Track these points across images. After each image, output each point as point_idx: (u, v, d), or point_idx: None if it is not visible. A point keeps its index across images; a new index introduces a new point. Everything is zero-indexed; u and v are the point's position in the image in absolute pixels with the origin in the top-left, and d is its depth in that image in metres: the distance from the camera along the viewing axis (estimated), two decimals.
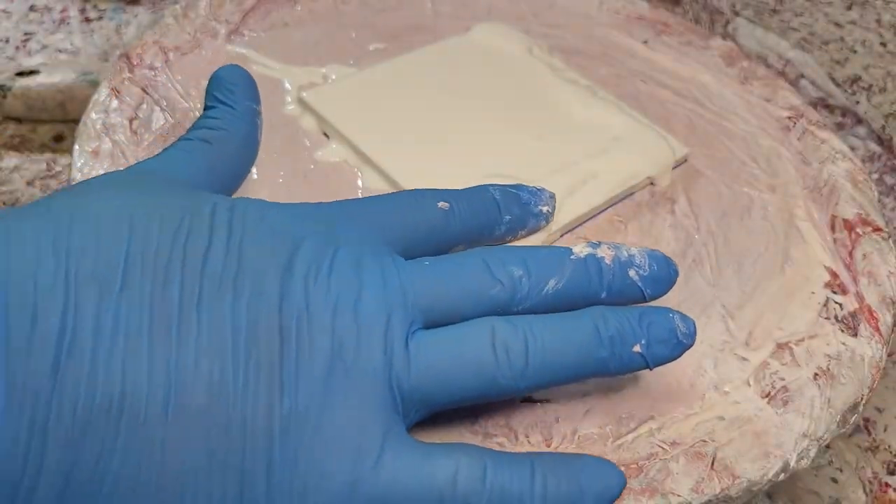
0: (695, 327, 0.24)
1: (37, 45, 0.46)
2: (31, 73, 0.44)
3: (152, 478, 0.19)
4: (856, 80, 0.48)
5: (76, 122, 0.33)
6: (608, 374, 0.23)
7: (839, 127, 0.46)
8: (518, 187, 0.27)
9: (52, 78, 0.44)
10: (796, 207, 0.32)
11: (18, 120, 0.44)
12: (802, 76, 0.49)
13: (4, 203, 0.41)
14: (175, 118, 0.32)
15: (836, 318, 0.28)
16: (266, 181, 0.30)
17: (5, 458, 0.18)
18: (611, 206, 0.31)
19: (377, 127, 0.32)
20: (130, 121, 0.32)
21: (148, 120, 0.32)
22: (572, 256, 0.24)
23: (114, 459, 0.19)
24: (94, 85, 0.43)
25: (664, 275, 0.25)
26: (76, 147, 0.30)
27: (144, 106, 0.32)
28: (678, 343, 0.23)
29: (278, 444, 0.20)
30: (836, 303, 0.29)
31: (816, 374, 0.26)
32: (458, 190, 0.26)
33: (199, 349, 0.20)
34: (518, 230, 0.27)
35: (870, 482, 0.34)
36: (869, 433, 0.35)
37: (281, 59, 0.36)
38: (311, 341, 0.21)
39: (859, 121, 0.47)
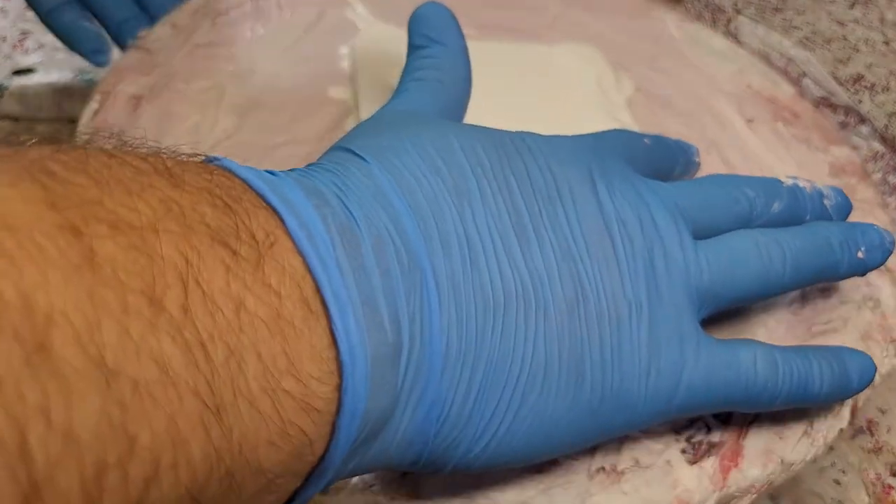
0: (893, 237, 0.27)
1: (34, 43, 0.46)
2: (28, 71, 0.44)
3: (541, 360, 0.21)
4: (859, 78, 0.48)
5: (73, 120, 0.33)
6: (838, 276, 0.27)
7: (842, 126, 0.46)
8: (678, 141, 0.31)
9: (48, 77, 0.44)
10: None
11: (15, 118, 0.44)
12: (805, 75, 0.49)
13: None
14: None
15: None
16: None
17: (440, 341, 0.20)
18: None
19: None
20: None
21: None
22: (784, 184, 0.28)
23: (518, 343, 0.21)
24: (91, 84, 0.43)
25: (846, 204, 0.29)
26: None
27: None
28: (887, 250, 0.27)
29: (627, 332, 0.23)
30: None
31: None
32: (648, 133, 0.30)
33: (555, 253, 0.22)
34: (684, 174, 0.31)
35: (873, 484, 0.34)
36: (872, 435, 0.35)
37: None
38: (632, 243, 0.23)
39: (862, 120, 0.47)
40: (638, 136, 0.29)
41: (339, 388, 0.18)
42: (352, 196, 0.20)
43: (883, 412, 0.36)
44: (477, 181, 0.22)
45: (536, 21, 0.39)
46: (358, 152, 0.22)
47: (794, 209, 0.27)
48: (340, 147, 0.23)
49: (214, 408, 0.16)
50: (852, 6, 0.53)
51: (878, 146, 0.45)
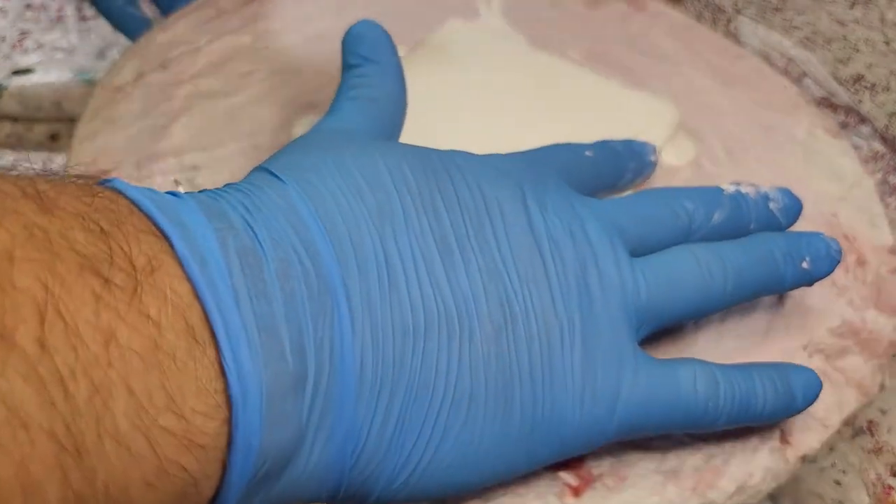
0: (840, 247, 0.27)
1: (33, 43, 0.46)
2: (27, 71, 0.44)
3: (479, 390, 0.21)
4: (859, 78, 0.48)
5: (72, 120, 0.33)
6: (782, 289, 0.26)
7: (842, 126, 0.46)
8: (629, 141, 0.30)
9: (47, 76, 0.44)
10: None
11: (14, 118, 0.44)
12: (805, 75, 0.49)
13: None
14: None
15: None
16: None
17: (353, 367, 0.19)
18: None
19: None
20: None
21: None
22: (724, 192, 0.27)
23: (440, 368, 0.20)
24: (91, 84, 0.43)
25: (794, 206, 0.28)
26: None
27: None
28: (834, 259, 0.26)
29: (559, 356, 0.22)
30: None
31: None
32: (594, 142, 0.29)
33: (480, 271, 0.22)
34: (636, 178, 0.30)
35: (873, 484, 0.34)
36: (872, 435, 0.35)
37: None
38: (564, 263, 0.23)
39: (862, 120, 0.47)
40: (578, 149, 0.28)
41: (229, 423, 0.17)
42: (260, 218, 0.19)
43: (883, 412, 0.36)
44: (401, 202, 0.22)
45: (653, 70, 0.37)
46: (276, 173, 0.21)
47: (737, 218, 0.27)
48: (261, 167, 0.22)
49: (74, 449, 0.15)
50: (853, 6, 0.53)
51: (878, 146, 0.45)
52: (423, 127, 0.32)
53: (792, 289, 0.27)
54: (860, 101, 0.47)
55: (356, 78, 0.27)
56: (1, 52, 0.45)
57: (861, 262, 0.30)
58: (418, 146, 0.24)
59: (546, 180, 0.25)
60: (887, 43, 0.51)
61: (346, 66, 0.27)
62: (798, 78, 0.47)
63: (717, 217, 0.26)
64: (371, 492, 0.20)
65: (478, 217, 0.23)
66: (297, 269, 0.19)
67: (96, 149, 0.31)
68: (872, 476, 0.34)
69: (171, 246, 0.17)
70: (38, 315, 0.14)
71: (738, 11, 0.50)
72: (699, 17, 0.49)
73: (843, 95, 0.48)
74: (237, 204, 0.20)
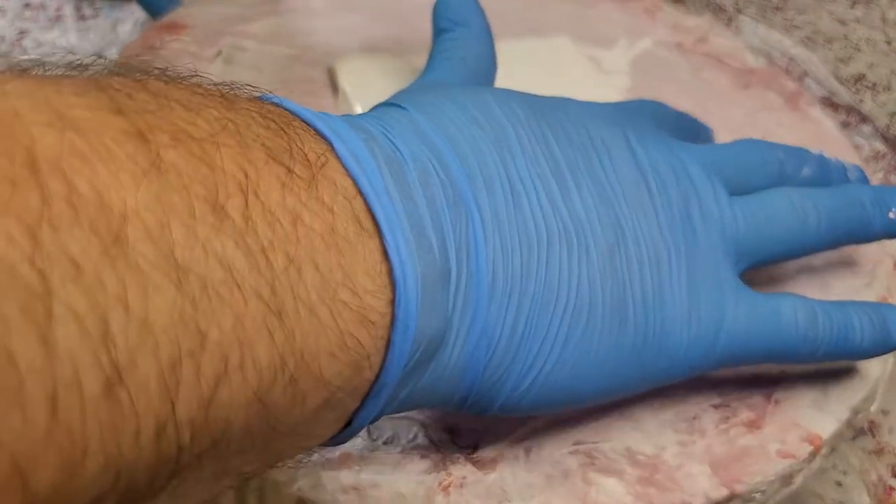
0: None
1: (32, 42, 0.46)
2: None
3: (596, 300, 0.22)
4: (860, 78, 0.48)
5: None
6: (870, 237, 0.27)
7: (843, 126, 0.46)
8: (696, 119, 0.33)
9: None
10: None
11: None
12: (806, 74, 0.49)
13: None
14: None
15: None
16: None
17: (486, 272, 0.20)
18: None
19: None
20: None
21: None
22: (811, 152, 0.28)
23: (562, 279, 0.21)
24: None
25: (859, 173, 0.29)
26: None
27: None
28: None
29: (667, 274, 0.23)
30: None
31: None
32: (673, 109, 0.31)
33: (592, 196, 0.23)
34: None
35: (874, 485, 0.33)
36: (873, 436, 0.35)
37: None
38: (668, 195, 0.24)
39: (864, 119, 0.47)
40: (667, 106, 0.30)
41: (393, 304, 0.18)
42: (397, 134, 0.21)
43: (885, 413, 0.36)
44: (515, 132, 0.23)
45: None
46: (401, 104, 0.23)
47: (823, 175, 0.28)
48: (384, 103, 0.23)
49: (277, 312, 0.16)
50: (853, 5, 0.53)
51: (879, 146, 0.45)
52: None
53: (879, 237, 0.28)
54: (861, 101, 0.47)
55: (447, 41, 0.28)
56: (0, 52, 0.45)
57: None
58: (520, 92, 0.25)
59: (645, 124, 0.26)
60: (888, 42, 0.51)
61: (437, 31, 0.29)
62: (799, 77, 0.47)
63: (807, 171, 0.28)
64: (497, 397, 0.21)
65: (585, 151, 0.24)
66: (434, 179, 0.20)
67: None
68: (874, 477, 0.34)
69: (333, 147, 0.19)
70: (242, 193, 0.16)
71: (739, 11, 0.50)
72: (700, 16, 0.49)
73: (845, 95, 0.48)
74: (374, 123, 0.21)
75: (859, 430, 0.35)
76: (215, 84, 0.19)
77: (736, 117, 0.36)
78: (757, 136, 0.35)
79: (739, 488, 0.24)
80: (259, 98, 0.20)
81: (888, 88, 0.48)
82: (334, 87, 0.34)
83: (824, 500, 0.33)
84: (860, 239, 0.28)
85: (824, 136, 0.36)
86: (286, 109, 0.20)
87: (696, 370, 0.24)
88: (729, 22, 0.51)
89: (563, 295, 0.21)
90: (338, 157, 0.19)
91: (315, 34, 0.36)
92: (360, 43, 0.36)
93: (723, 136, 0.35)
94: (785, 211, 0.26)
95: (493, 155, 0.22)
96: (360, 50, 0.36)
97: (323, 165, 0.18)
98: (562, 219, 0.22)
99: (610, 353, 0.22)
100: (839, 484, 0.33)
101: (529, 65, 0.36)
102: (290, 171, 0.17)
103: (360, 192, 0.19)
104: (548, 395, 0.22)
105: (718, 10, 0.51)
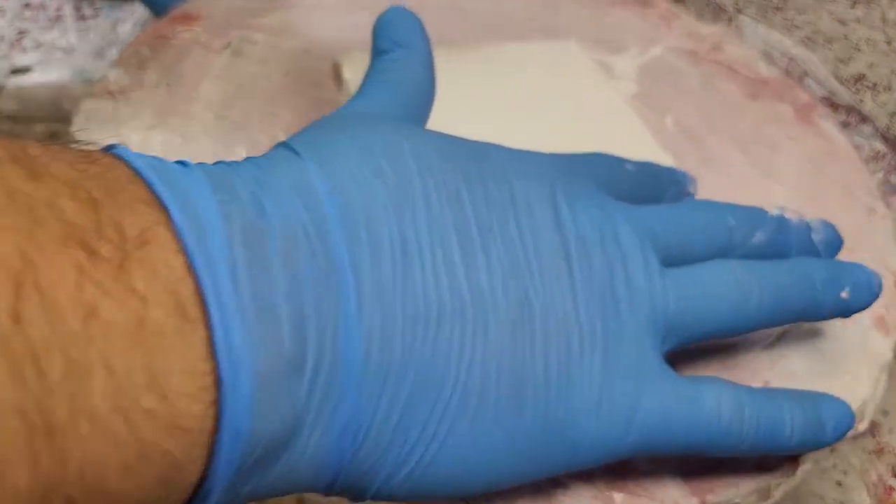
0: (881, 281, 0.26)
1: (31, 42, 0.46)
2: (26, 70, 0.44)
3: (489, 384, 0.20)
4: (860, 78, 0.48)
5: (70, 120, 0.33)
6: (819, 317, 0.25)
7: (844, 126, 0.46)
8: (671, 169, 0.30)
9: (46, 76, 0.44)
10: None
11: (13, 118, 0.44)
12: (806, 74, 0.49)
13: None
14: None
15: None
16: None
17: (357, 352, 0.19)
18: None
19: None
20: None
21: None
22: (770, 214, 0.26)
23: (451, 361, 0.20)
24: (89, 83, 0.43)
25: (835, 240, 0.27)
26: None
27: None
28: (874, 292, 0.25)
29: (576, 361, 0.21)
30: None
31: None
32: (634, 159, 0.28)
33: (502, 267, 0.21)
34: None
35: (875, 485, 0.34)
36: (874, 436, 0.35)
37: None
38: (590, 266, 0.22)
39: (864, 119, 0.47)
40: (618, 161, 0.27)
41: (217, 406, 0.16)
42: (271, 193, 0.19)
43: (885, 414, 0.36)
44: (423, 187, 0.21)
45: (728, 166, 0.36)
46: (296, 149, 0.21)
47: (778, 241, 0.26)
48: (282, 143, 0.22)
49: (45, 429, 0.14)
50: (854, 5, 0.53)
51: (879, 146, 0.45)
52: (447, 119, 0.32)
53: (829, 318, 0.26)
54: (861, 101, 0.47)
55: (386, 62, 0.26)
56: None
57: None
58: (448, 134, 0.23)
59: (580, 181, 0.24)
60: (888, 42, 0.51)
61: (377, 52, 0.27)
62: (799, 77, 0.47)
63: (759, 237, 0.25)
64: (369, 486, 0.20)
65: (503, 210, 0.22)
66: (304, 248, 0.18)
67: None
68: (874, 477, 0.34)
69: (170, 217, 0.17)
70: (14, 285, 0.14)
71: (739, 11, 0.50)
72: (700, 17, 0.49)
73: (845, 95, 0.48)
74: (248, 177, 0.19)
75: (858, 433, 0.35)
76: (35, 143, 0.16)
77: (743, 128, 0.36)
78: (764, 148, 0.35)
79: (711, 499, 0.23)
80: (95, 153, 0.18)
81: (888, 88, 0.48)
82: (339, 81, 0.34)
83: (824, 499, 0.33)
84: (808, 318, 0.26)
85: (835, 151, 0.36)
86: (129, 167, 0.17)
87: (605, 459, 0.22)
88: (729, 22, 0.51)
89: (450, 379, 0.19)
90: (173, 230, 0.16)
91: (324, 29, 0.37)
92: (367, 39, 0.36)
93: (728, 146, 0.35)
94: (725, 287, 0.23)
95: (389, 214, 0.20)
96: (367, 45, 0.36)
97: (145, 243, 0.16)
98: (459, 291, 0.20)
99: (503, 442, 0.20)
100: (839, 484, 0.33)
101: (532, 67, 0.36)
102: (94, 253, 0.15)
103: (192, 273, 0.16)
104: (428, 485, 0.20)
105: (718, 11, 0.51)
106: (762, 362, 0.27)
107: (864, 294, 0.25)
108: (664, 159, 0.33)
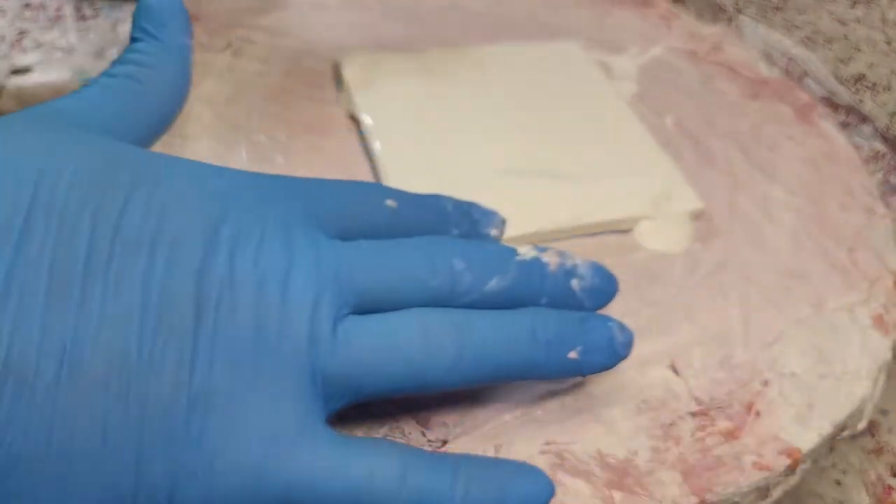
0: (632, 338, 0.24)
1: (31, 42, 0.46)
2: (26, 70, 0.44)
3: (41, 451, 0.18)
4: (860, 78, 0.48)
5: None
6: (542, 377, 0.23)
7: (843, 126, 0.46)
8: (471, 204, 0.26)
9: (46, 76, 0.44)
10: None
11: None
12: (806, 74, 0.49)
13: None
14: None
15: None
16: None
17: None
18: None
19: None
20: None
21: None
22: (517, 257, 0.23)
23: (14, 423, 0.17)
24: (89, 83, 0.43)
25: (605, 288, 0.25)
26: None
27: None
28: (614, 353, 0.23)
29: (182, 422, 0.19)
30: None
31: None
32: (410, 192, 0.25)
33: (102, 315, 0.18)
34: None
35: (874, 485, 0.34)
36: (873, 436, 0.35)
37: None
38: (232, 316, 0.19)
39: (864, 119, 0.47)
40: (378, 194, 0.24)
41: None
42: None
43: (884, 413, 0.36)
44: (28, 216, 0.18)
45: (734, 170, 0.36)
46: None
47: (521, 289, 0.23)
48: None
49: None
50: (854, 5, 0.53)
51: (879, 146, 0.45)
52: (448, 119, 0.32)
53: (559, 377, 0.23)
54: (861, 101, 0.47)
55: (130, 53, 0.24)
56: None
57: None
58: (122, 147, 0.21)
59: (281, 214, 0.21)
60: (888, 42, 0.51)
61: (131, 40, 0.25)
62: (799, 77, 0.47)
63: (496, 284, 0.23)
64: None
65: (134, 248, 0.19)
66: None
67: None
68: (873, 476, 0.34)
69: None
70: None
71: (739, 11, 0.50)
72: (700, 17, 0.49)
73: (845, 95, 0.48)
74: None
75: (858, 432, 0.35)
76: None
77: (742, 129, 0.36)
78: (763, 148, 0.35)
79: (710, 498, 0.23)
80: None
81: (888, 88, 0.48)
82: (339, 81, 0.34)
83: (824, 499, 0.33)
84: (531, 376, 0.23)
85: (834, 151, 0.36)
86: None
87: None
88: (729, 22, 0.51)
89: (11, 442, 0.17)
90: None
91: (325, 29, 0.37)
92: (368, 39, 0.37)
93: (727, 147, 0.35)
94: (410, 343, 0.21)
95: None
96: (368, 46, 0.36)
97: None
98: (28, 342, 0.18)
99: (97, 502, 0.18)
100: (838, 483, 0.33)
101: (534, 67, 0.36)
102: None
103: None
104: None
105: (718, 10, 0.51)
106: (762, 362, 0.27)
107: (598, 357, 0.23)
108: (665, 159, 0.33)
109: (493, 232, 0.26)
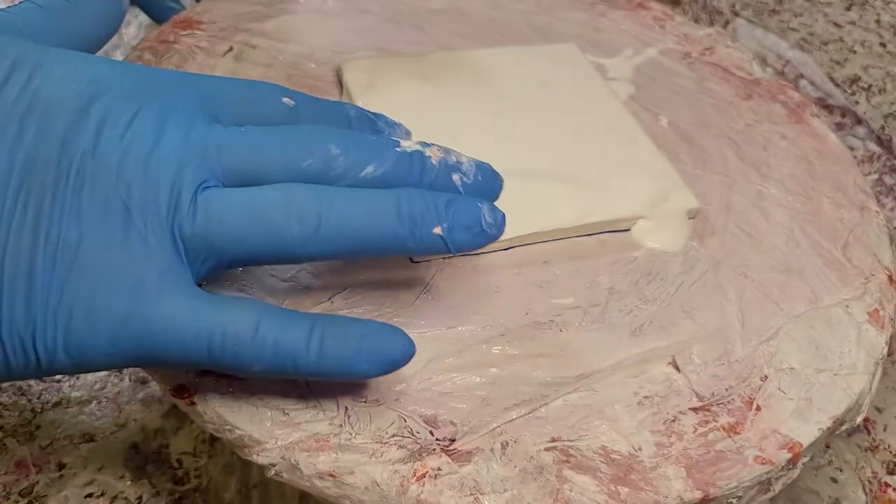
0: (503, 219, 0.24)
1: None
2: None
3: None
4: (855, 80, 0.49)
5: None
6: (409, 252, 0.24)
7: (839, 127, 0.46)
8: (377, 115, 0.27)
9: None
10: None
11: None
12: (802, 76, 0.49)
13: None
14: None
15: None
16: None
17: None
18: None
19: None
20: None
21: None
22: (398, 148, 0.24)
23: None
24: None
25: (488, 186, 0.25)
26: None
27: None
28: (482, 231, 0.24)
29: (40, 272, 0.21)
30: None
31: None
32: (311, 96, 0.26)
33: None
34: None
35: (869, 482, 0.34)
36: (869, 433, 0.35)
37: None
38: (94, 181, 0.21)
39: (859, 121, 0.47)
40: (275, 93, 0.25)
41: None
42: None
43: (880, 410, 0.36)
44: None
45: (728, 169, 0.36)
46: None
47: (398, 178, 0.24)
48: None
49: None
50: (849, 8, 0.53)
51: (874, 147, 0.45)
52: (449, 119, 0.33)
53: (425, 253, 0.24)
54: (856, 103, 0.47)
55: None
56: None
57: None
58: (21, 40, 0.23)
59: (161, 100, 0.23)
60: (883, 45, 0.51)
61: None
62: (795, 80, 0.47)
63: (371, 171, 0.24)
64: None
65: (7, 119, 0.21)
66: None
67: None
68: (868, 473, 0.34)
69: None
70: None
71: (736, 14, 0.51)
72: (697, 20, 0.50)
73: (840, 97, 0.48)
74: None
75: (855, 426, 0.35)
76: None
77: (736, 128, 0.36)
78: (756, 147, 0.35)
79: (714, 492, 0.24)
80: None
81: (883, 90, 0.48)
82: (340, 85, 0.35)
83: (820, 496, 0.33)
84: (393, 251, 0.24)
85: (827, 149, 0.36)
86: None
87: (97, 366, 0.22)
88: (726, 25, 0.51)
89: None
90: None
91: (327, 34, 0.37)
92: (369, 44, 0.37)
93: (722, 146, 0.35)
94: (271, 212, 0.22)
95: None
96: (369, 51, 0.36)
97: None
98: None
99: None
100: (834, 480, 0.34)
101: (533, 71, 0.36)
102: None
103: None
104: None
105: (715, 13, 0.51)
106: (761, 358, 0.27)
107: (463, 234, 0.23)
108: (662, 159, 0.33)
109: (402, 143, 0.25)
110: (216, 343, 0.22)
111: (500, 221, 0.24)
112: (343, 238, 0.23)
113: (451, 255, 0.24)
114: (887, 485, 0.34)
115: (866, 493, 0.33)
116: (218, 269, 0.23)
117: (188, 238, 0.22)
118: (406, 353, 0.23)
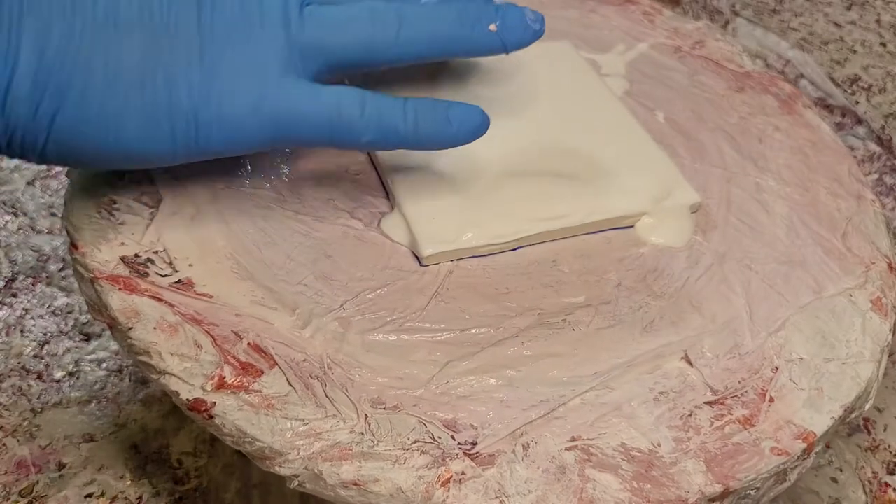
0: (543, 18, 0.29)
1: None
2: None
3: (99, 70, 0.24)
4: (855, 80, 0.49)
5: None
6: (474, 50, 0.29)
7: (839, 127, 0.46)
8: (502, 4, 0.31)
9: None
10: None
11: None
12: (802, 76, 0.49)
13: (4, 203, 0.41)
14: None
15: None
16: None
17: None
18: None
19: None
20: None
21: None
22: None
23: (71, 52, 0.24)
24: None
25: (530, 27, 0.29)
26: None
27: None
28: (528, 28, 0.29)
29: (196, 58, 0.26)
30: None
31: None
32: None
33: None
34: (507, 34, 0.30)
35: (869, 482, 0.34)
36: (869, 433, 0.35)
37: None
38: (224, 2, 0.26)
39: (859, 121, 0.47)
40: None
41: None
42: None
43: (880, 411, 0.36)
44: None
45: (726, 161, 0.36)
46: None
47: (451, 7, 0.29)
48: None
49: None
50: (849, 8, 0.53)
51: (874, 147, 0.45)
52: None
53: (487, 52, 0.29)
54: (857, 103, 0.47)
55: None
56: None
57: None
58: None
59: None
60: (883, 45, 0.51)
61: None
62: (795, 79, 0.47)
63: None
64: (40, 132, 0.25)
65: None
66: None
67: None
68: (869, 473, 0.34)
69: None
70: None
71: (736, 13, 0.51)
72: (696, 19, 0.50)
73: (840, 96, 0.48)
74: None
75: (855, 426, 0.35)
76: None
77: (730, 121, 0.36)
78: (751, 140, 0.36)
79: (734, 485, 0.24)
80: None
81: (883, 90, 0.48)
82: (341, 81, 0.34)
83: (820, 496, 0.33)
84: (464, 51, 0.29)
85: (820, 140, 0.36)
86: None
87: (235, 145, 0.26)
88: (726, 24, 0.51)
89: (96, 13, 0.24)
90: None
91: None
92: None
93: (718, 140, 0.35)
94: (360, 19, 0.27)
95: None
96: None
97: None
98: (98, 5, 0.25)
99: (132, 113, 0.25)
100: (835, 480, 0.34)
101: (529, 69, 0.36)
102: None
103: None
104: (78, 135, 0.25)
105: (715, 13, 0.51)
106: (770, 349, 0.27)
107: (515, 32, 0.29)
108: (661, 155, 0.33)
109: (534, 26, 0.30)
110: (334, 117, 0.26)
111: (541, 18, 0.29)
112: (418, 41, 0.28)
113: (507, 52, 0.29)
114: (887, 485, 0.34)
115: (866, 494, 0.33)
116: (322, 73, 0.27)
117: (299, 43, 0.27)
118: (485, 119, 0.28)
